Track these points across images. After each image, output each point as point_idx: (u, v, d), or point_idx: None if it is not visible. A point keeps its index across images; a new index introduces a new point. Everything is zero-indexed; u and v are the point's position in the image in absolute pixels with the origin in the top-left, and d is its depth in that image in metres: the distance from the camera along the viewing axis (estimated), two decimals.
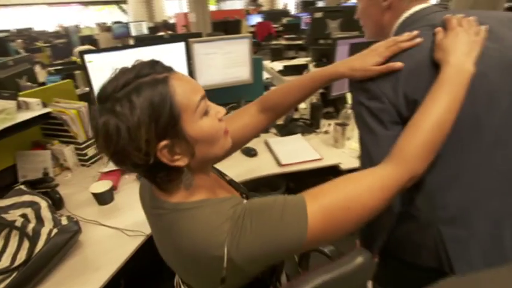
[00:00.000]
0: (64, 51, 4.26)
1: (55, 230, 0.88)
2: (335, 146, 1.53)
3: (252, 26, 8.73)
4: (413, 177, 0.59)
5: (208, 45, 1.68)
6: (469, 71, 0.61)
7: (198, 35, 2.40)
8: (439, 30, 0.67)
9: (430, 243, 0.74)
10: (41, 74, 2.90)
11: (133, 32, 6.51)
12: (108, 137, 0.49)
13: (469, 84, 0.61)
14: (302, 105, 1.85)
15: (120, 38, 6.35)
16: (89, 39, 5.40)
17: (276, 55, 5.44)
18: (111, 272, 0.88)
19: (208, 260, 0.52)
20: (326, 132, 1.70)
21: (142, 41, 3.01)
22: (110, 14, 14.16)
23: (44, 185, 1.32)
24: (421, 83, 0.65)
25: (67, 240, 0.90)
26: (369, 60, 0.69)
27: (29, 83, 1.79)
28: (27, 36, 5.88)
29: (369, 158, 0.72)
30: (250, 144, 1.56)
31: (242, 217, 0.52)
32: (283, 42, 6.35)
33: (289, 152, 1.46)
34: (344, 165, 1.37)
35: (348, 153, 1.46)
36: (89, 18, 12.64)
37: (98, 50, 1.30)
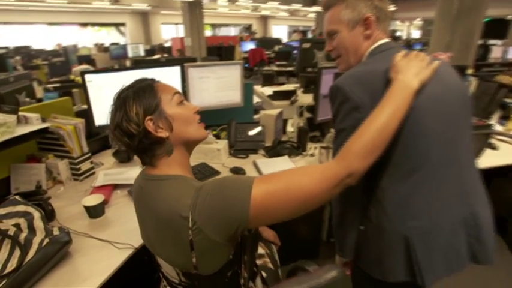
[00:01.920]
0: (61, 70, 4.36)
1: (46, 240, 0.92)
2: None
3: (246, 52, 9.06)
4: (352, 173, 0.69)
5: (202, 69, 1.79)
6: (413, 88, 0.75)
7: (193, 59, 2.53)
8: (398, 55, 0.80)
9: (402, 257, 0.81)
10: (37, 91, 2.96)
11: (130, 54, 6.69)
12: (112, 115, 0.74)
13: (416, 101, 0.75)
14: (290, 129, 1.95)
15: (117, 59, 6.51)
16: (87, 59, 5.53)
17: (267, 80, 5.65)
18: (99, 284, 0.90)
19: (178, 220, 0.66)
20: (312, 155, 1.79)
21: (139, 63, 3.12)
22: (108, 35, 14.46)
23: (36, 197, 1.36)
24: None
25: (58, 250, 0.93)
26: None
27: (27, 99, 1.85)
28: (26, 53, 5.98)
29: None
30: (238, 164, 1.64)
31: (201, 187, 0.68)
32: (275, 68, 6.60)
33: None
34: None
35: None
36: (86, 39, 12.88)
37: (97, 71, 1.39)
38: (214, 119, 2.02)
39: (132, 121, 0.71)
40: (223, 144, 1.72)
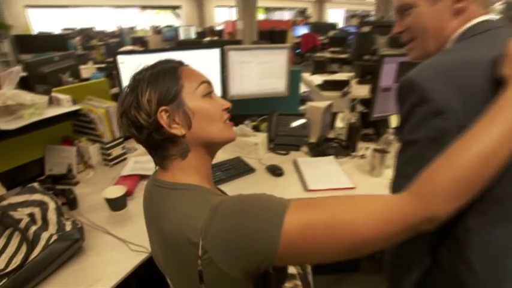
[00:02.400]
0: (115, 50, 4.49)
1: (54, 237, 0.84)
2: (371, 173, 1.37)
3: (298, 37, 8.69)
4: (433, 218, 0.47)
5: (244, 53, 1.61)
6: None
7: (238, 42, 2.36)
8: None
9: None
10: (91, 70, 3.06)
11: (182, 36, 6.74)
12: (121, 99, 0.60)
13: None
14: (339, 124, 1.71)
15: (169, 41, 6.61)
16: (140, 40, 5.67)
17: (319, 67, 5.30)
18: None
19: (186, 245, 0.51)
20: (362, 156, 1.54)
21: (181, 45, 3.04)
22: (165, 18, 14.93)
23: (65, 181, 1.33)
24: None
25: (66, 249, 0.85)
26: None
27: (70, 79, 1.85)
28: (86, 34, 6.35)
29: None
30: (277, 161, 1.46)
31: (218, 205, 0.51)
32: (328, 55, 6.18)
33: (318, 175, 1.33)
34: None
35: (385, 184, 1.29)
36: (146, 21, 13.43)
37: (131, 52, 1.30)
38: (255, 108, 1.84)
39: (142, 109, 0.57)
40: (261, 137, 1.55)
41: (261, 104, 1.80)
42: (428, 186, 0.47)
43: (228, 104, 0.65)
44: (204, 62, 1.55)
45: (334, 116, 1.79)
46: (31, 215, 0.90)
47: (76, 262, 0.90)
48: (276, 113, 1.69)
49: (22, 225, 0.85)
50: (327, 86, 2.14)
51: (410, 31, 0.72)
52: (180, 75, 0.60)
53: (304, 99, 2.16)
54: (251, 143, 1.52)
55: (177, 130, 0.58)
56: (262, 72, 1.68)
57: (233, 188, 1.28)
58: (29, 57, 3.55)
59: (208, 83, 0.63)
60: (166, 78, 0.58)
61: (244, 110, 1.85)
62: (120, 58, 1.32)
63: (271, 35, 8.80)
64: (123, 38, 5.54)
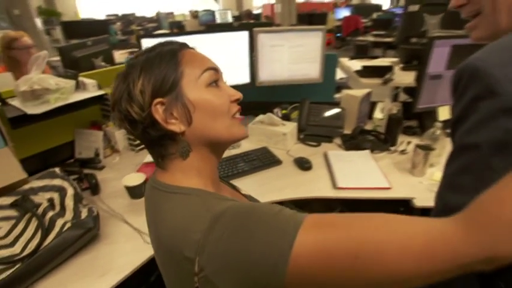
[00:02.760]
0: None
1: (68, 224, 0.83)
2: (412, 172, 1.22)
3: (339, 19, 8.24)
4: (494, 259, 0.33)
5: (274, 36, 1.50)
6: None
7: (269, 24, 2.22)
8: None
9: None
10: (125, 55, 3.12)
11: (219, 20, 6.67)
12: (113, 89, 0.52)
13: None
14: (378, 115, 1.55)
15: (205, 25, 6.58)
16: (177, 25, 5.71)
17: (360, 52, 4.97)
18: (116, 282, 0.79)
19: (181, 259, 0.44)
20: (403, 152, 1.38)
21: (211, 28, 2.96)
22: (204, 3, 14.97)
23: (92, 165, 1.34)
24: None
25: (79, 237, 0.84)
26: None
27: (103, 63, 1.87)
28: (127, 20, 6.53)
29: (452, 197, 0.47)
30: (306, 153, 1.36)
31: (219, 216, 0.43)
32: (371, 38, 5.77)
33: (350, 172, 1.20)
34: (419, 202, 1.06)
35: (426, 186, 1.14)
36: (185, 6, 13.55)
37: (156, 35, 1.24)
38: (286, 95, 1.73)
39: (135, 101, 0.49)
40: (290, 127, 1.45)
41: (292, 91, 1.69)
42: (493, 215, 0.33)
43: (238, 95, 0.55)
44: (231, 46, 1.47)
45: (373, 105, 1.63)
46: (50, 200, 0.90)
47: (90, 250, 0.89)
48: (307, 101, 1.57)
49: (40, 210, 0.86)
50: (366, 72, 1.95)
51: (475, 3, 0.57)
52: (180, 60, 0.51)
53: (340, 87, 2.00)
54: (279, 133, 1.42)
55: (175, 126, 0.50)
56: (294, 56, 1.56)
57: (256, 181, 1.21)
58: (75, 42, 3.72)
59: (215, 69, 0.54)
60: (162, 64, 0.49)
61: (274, 97, 1.75)
62: (145, 42, 1.27)
63: (311, 18, 8.43)
64: (161, 23, 5.60)
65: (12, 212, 0.86)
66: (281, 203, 1.29)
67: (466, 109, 0.48)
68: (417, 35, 1.99)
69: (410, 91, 1.77)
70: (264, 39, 1.49)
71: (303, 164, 1.27)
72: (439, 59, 1.34)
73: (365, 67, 1.96)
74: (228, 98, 0.54)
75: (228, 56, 1.48)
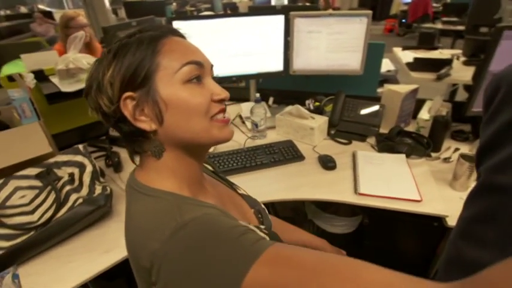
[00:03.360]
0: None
1: (80, 200, 0.87)
2: (452, 185, 1.06)
3: (406, 3, 7.50)
4: None
5: (312, 21, 1.38)
6: None
7: (310, 8, 2.06)
8: None
9: None
10: None
11: (273, 2, 6.50)
12: (88, 74, 0.48)
13: None
14: (424, 115, 1.37)
15: (250, 7, 6.47)
16: (231, 6, 5.69)
17: (425, 41, 4.48)
18: (118, 259, 0.83)
19: (139, 266, 0.42)
20: (446, 160, 1.21)
21: (253, 10, 2.86)
22: None
23: (121, 144, 1.40)
24: None
25: (89, 213, 0.88)
26: None
27: None
28: (182, 0, 6.69)
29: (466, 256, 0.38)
30: (334, 151, 1.26)
31: (182, 226, 0.39)
32: (439, 26, 5.16)
33: (376, 177, 1.09)
34: (452, 221, 0.92)
35: None
36: None
37: (186, 17, 1.22)
38: (322, 86, 1.62)
39: (103, 92, 0.45)
40: (319, 122, 1.35)
41: (330, 82, 1.58)
42: None
43: (222, 95, 0.49)
44: (266, 31, 1.39)
45: (420, 103, 1.44)
46: (71, 175, 0.96)
47: (101, 226, 0.94)
48: (342, 95, 1.45)
49: (60, 184, 0.91)
50: (418, 65, 1.73)
51: None
52: (159, 49, 0.45)
53: (386, 80, 1.82)
54: (306, 127, 1.34)
55: (145, 124, 0.45)
56: (333, 44, 1.43)
57: (272, 176, 1.16)
58: None
59: (198, 63, 0.47)
60: (137, 52, 0.44)
61: (309, 88, 1.65)
62: (176, 24, 1.26)
63: (374, 2, 7.81)
64: (215, 4, 5.64)
65: (37, 182, 0.92)
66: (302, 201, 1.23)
67: (500, 134, 0.37)
68: (488, 24, 1.70)
69: (470, 89, 1.53)
70: (301, 24, 1.39)
71: (327, 163, 1.18)
72: (506, 54, 1.12)
73: (417, 59, 1.74)
74: (210, 97, 0.48)
75: (261, 41, 1.41)
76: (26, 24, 5.36)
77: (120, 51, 0.45)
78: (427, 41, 4.60)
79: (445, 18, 5.36)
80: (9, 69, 1.80)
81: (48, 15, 5.56)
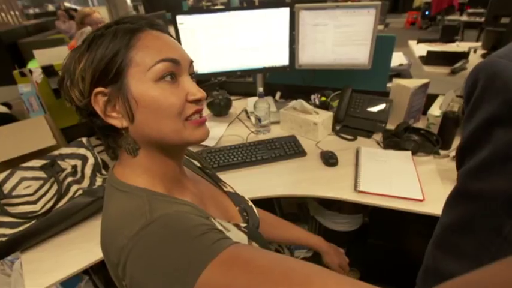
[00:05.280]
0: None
1: (80, 191, 0.90)
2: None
3: None
4: None
5: (318, 13, 1.35)
6: None
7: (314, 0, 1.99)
8: None
9: None
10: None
11: None
12: (64, 61, 0.47)
13: None
14: (434, 112, 1.31)
15: (260, 1, 6.38)
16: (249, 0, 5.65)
17: (447, 34, 4.30)
18: None
19: (109, 261, 0.44)
20: (454, 158, 1.15)
21: (263, 3, 2.82)
22: None
23: None
24: None
25: (88, 204, 0.91)
26: None
27: None
28: None
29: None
30: (337, 147, 1.24)
31: (149, 224, 0.40)
32: (464, 18, 4.91)
33: (378, 174, 1.06)
34: None
35: None
36: None
37: (190, 12, 1.21)
38: (329, 81, 1.59)
39: (75, 86, 0.45)
40: (324, 117, 1.33)
41: (337, 76, 1.54)
42: None
43: (198, 95, 0.47)
44: (270, 24, 1.37)
45: (431, 99, 1.39)
46: (74, 167, 0.99)
47: (100, 217, 0.96)
48: (349, 89, 1.42)
49: (62, 176, 0.95)
50: (431, 58, 1.66)
51: None
52: (134, 43, 0.44)
53: (398, 75, 1.75)
54: (310, 122, 1.32)
55: (116, 121, 0.45)
56: (340, 37, 1.40)
57: (271, 171, 1.15)
58: None
59: (174, 61, 0.45)
60: (110, 46, 0.43)
61: (315, 82, 1.62)
62: (180, 18, 1.27)
63: None
64: None
65: (41, 174, 0.96)
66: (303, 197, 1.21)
67: (477, 134, 0.35)
68: (510, 14, 1.60)
69: None
70: (306, 17, 1.36)
71: (328, 159, 1.16)
72: None
73: (430, 52, 1.66)
74: (185, 97, 0.46)
75: (266, 35, 1.39)
76: (52, 22, 5.56)
77: (94, 43, 0.44)
78: (449, 34, 4.41)
79: (470, 10, 5.10)
80: (33, 65, 1.87)
81: (74, 12, 5.73)
